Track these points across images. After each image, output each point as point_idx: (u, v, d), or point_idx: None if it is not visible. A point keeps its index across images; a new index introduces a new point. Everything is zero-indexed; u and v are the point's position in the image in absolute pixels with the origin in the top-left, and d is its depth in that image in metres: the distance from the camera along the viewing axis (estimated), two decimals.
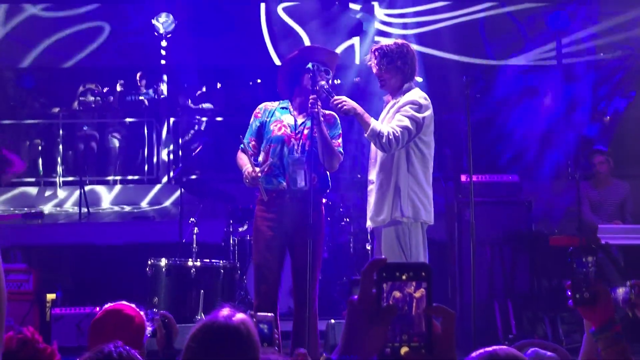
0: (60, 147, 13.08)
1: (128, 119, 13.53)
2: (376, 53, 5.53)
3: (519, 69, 13.17)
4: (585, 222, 8.46)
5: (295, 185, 5.55)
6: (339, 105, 5.39)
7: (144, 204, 12.22)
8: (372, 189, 5.51)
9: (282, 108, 5.78)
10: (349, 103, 5.40)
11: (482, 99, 12.03)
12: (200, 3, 13.22)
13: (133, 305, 3.45)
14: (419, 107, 5.41)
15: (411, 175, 5.42)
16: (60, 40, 14.00)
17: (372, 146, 5.58)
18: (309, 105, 5.39)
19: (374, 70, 5.57)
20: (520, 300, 7.95)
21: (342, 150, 5.69)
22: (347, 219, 8.71)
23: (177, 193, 9.41)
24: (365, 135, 5.39)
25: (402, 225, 5.38)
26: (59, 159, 12.96)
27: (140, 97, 13.47)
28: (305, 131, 5.60)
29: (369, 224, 5.58)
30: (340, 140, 5.71)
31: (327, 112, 5.65)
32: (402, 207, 5.37)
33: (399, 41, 5.61)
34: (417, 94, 5.47)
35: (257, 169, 5.49)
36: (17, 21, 13.99)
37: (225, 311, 2.54)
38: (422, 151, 5.49)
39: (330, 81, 5.64)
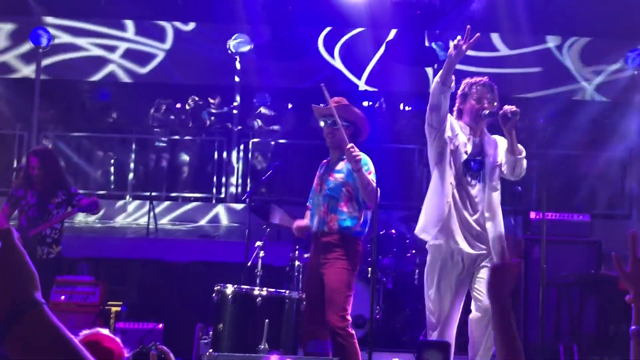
0: (132, 161, 13.27)
1: (199, 137, 13.68)
2: (493, 89, 5.54)
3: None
4: None
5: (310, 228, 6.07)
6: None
7: (210, 222, 12.31)
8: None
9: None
10: None
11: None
12: (278, 26, 13.28)
13: (112, 336, 3.01)
14: None
15: None
16: (135, 54, 14.25)
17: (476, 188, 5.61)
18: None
19: (495, 105, 5.53)
20: (587, 344, 7.77)
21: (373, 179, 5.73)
22: (414, 251, 8.61)
23: (245, 214, 9.46)
24: (520, 156, 5.52)
25: None
26: (130, 174, 13.18)
27: (212, 115, 13.60)
28: (325, 176, 5.94)
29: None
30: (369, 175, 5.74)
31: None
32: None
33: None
34: None
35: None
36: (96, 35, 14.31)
37: None
38: None
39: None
